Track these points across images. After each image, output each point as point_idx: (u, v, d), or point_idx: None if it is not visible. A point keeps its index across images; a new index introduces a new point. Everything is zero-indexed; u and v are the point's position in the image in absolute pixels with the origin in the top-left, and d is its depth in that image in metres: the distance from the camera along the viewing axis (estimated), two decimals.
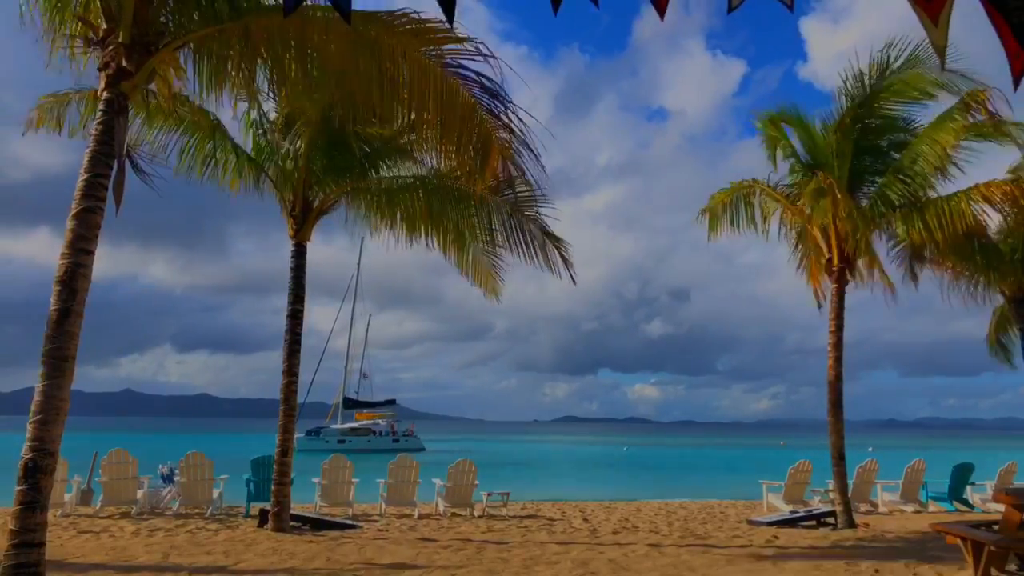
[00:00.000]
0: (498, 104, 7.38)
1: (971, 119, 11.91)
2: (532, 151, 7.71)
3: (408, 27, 7.11)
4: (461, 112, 7.27)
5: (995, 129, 12.05)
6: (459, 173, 9.20)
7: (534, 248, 11.40)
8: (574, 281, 11.55)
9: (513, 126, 7.46)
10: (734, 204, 14.37)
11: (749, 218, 14.42)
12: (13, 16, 7.34)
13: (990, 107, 11.49)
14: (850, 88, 12.93)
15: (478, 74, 7.33)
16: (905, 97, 12.80)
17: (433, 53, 7.19)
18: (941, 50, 2.40)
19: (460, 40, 7.15)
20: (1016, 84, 2.28)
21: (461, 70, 7.29)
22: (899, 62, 12.31)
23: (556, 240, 11.44)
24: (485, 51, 7.16)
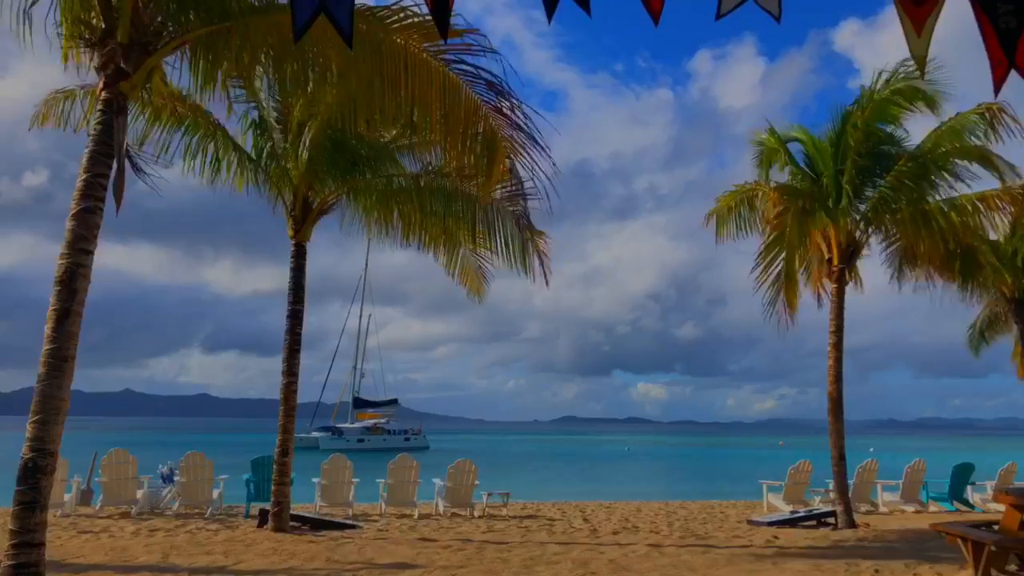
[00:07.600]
0: (503, 100, 7.21)
1: (977, 139, 12.29)
2: (542, 146, 7.49)
3: (408, 22, 7.03)
4: (465, 109, 7.13)
5: (984, 158, 12.34)
6: (467, 173, 9.09)
7: (511, 244, 10.86)
8: (547, 282, 10.77)
9: (520, 122, 7.28)
10: (739, 206, 14.43)
11: (753, 221, 14.49)
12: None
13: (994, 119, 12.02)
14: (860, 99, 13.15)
15: (479, 68, 7.19)
16: (904, 109, 12.99)
17: (434, 49, 7.10)
18: (922, 60, 2.46)
19: (461, 33, 7.02)
20: (996, 90, 2.36)
21: (463, 66, 7.15)
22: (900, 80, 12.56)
23: (533, 231, 10.79)
24: (487, 45, 7.04)
